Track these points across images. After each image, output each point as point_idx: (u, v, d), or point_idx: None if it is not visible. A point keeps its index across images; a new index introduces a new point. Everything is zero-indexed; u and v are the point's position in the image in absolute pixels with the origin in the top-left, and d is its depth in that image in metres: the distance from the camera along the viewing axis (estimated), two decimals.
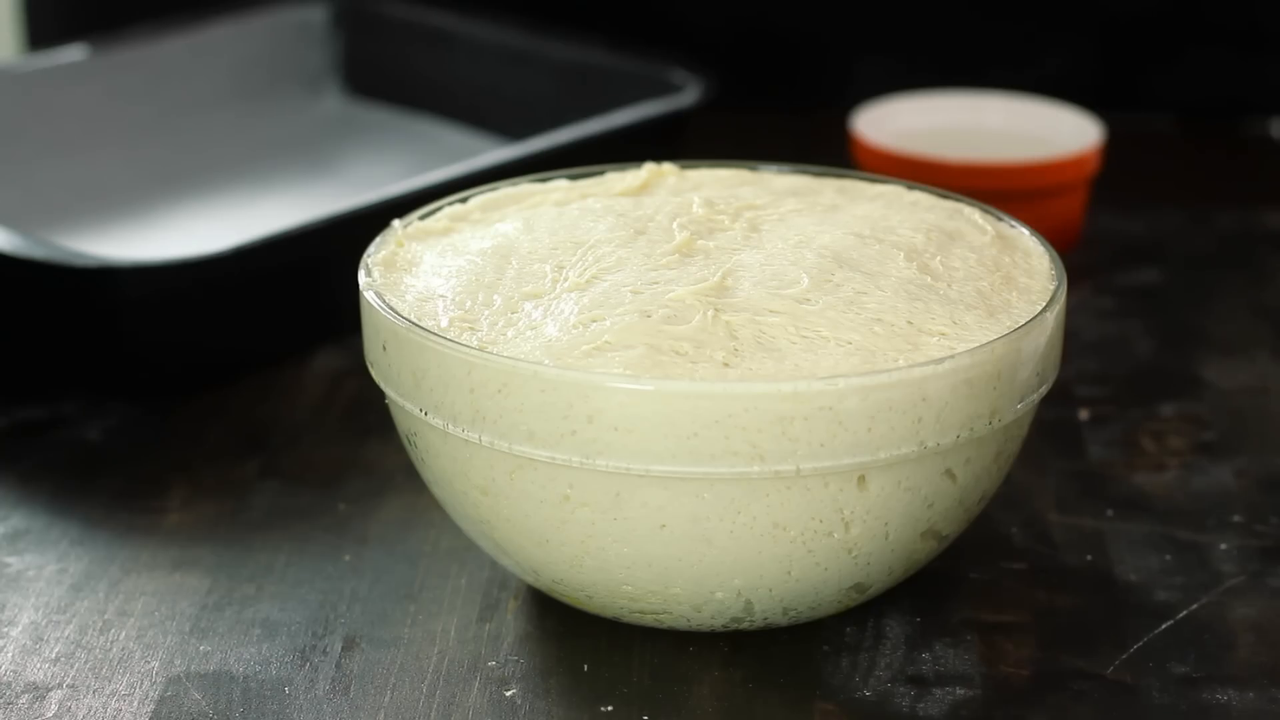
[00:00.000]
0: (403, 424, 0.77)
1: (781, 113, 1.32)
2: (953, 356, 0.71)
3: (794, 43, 1.35)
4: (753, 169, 0.87)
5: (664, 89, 1.16)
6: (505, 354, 0.72)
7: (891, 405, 0.70)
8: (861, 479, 0.71)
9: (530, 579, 0.77)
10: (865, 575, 0.74)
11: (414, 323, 0.73)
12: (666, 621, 0.75)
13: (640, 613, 0.75)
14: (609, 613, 0.76)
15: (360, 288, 0.77)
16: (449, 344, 0.72)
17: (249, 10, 1.30)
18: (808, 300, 0.74)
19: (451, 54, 1.28)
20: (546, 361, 0.71)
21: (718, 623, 0.75)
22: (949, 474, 0.73)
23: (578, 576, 0.74)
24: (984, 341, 0.72)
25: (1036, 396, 0.75)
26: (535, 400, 0.70)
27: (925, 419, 0.70)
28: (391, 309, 0.74)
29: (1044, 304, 0.75)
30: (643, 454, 0.70)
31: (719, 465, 0.70)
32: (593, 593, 0.75)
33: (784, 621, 0.76)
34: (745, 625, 0.75)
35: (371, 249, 0.80)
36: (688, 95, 1.15)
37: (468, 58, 1.27)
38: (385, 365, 0.75)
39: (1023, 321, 0.73)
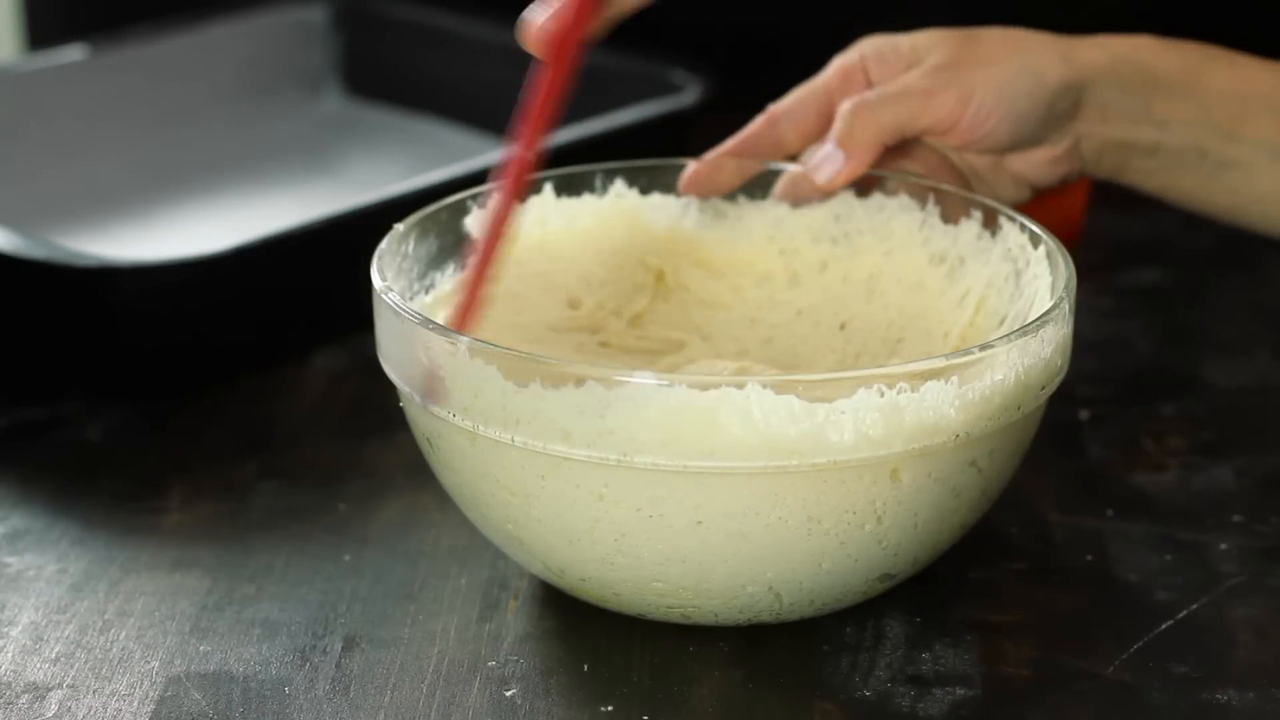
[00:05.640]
0: (422, 426, 0.76)
1: None
2: (983, 345, 0.72)
3: (794, 42, 1.35)
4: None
5: (664, 89, 1.16)
6: (539, 354, 0.72)
7: (925, 395, 0.70)
8: (894, 471, 0.71)
9: (553, 578, 0.77)
10: (893, 565, 0.75)
11: (444, 327, 0.73)
12: (693, 616, 0.75)
13: (667, 608, 0.75)
14: (634, 610, 0.76)
15: (377, 290, 0.76)
16: (484, 346, 0.72)
17: (249, 10, 1.30)
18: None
19: (451, 54, 1.28)
20: (583, 361, 0.71)
21: (744, 617, 0.75)
22: (974, 464, 0.74)
23: (608, 574, 0.74)
24: (1010, 331, 0.73)
25: (1053, 385, 0.75)
26: (571, 399, 0.70)
27: (956, 409, 0.71)
28: (417, 313, 0.74)
29: (1060, 292, 0.76)
30: (680, 451, 0.70)
31: (756, 460, 0.70)
32: (621, 590, 0.75)
33: (810, 613, 0.76)
34: (769, 618, 0.75)
35: (383, 247, 0.79)
36: (688, 95, 1.15)
37: (468, 58, 1.27)
38: (410, 367, 0.75)
39: (1043, 309, 0.75)
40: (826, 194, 0.86)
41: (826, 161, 0.83)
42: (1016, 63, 0.84)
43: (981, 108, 0.83)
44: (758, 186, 0.88)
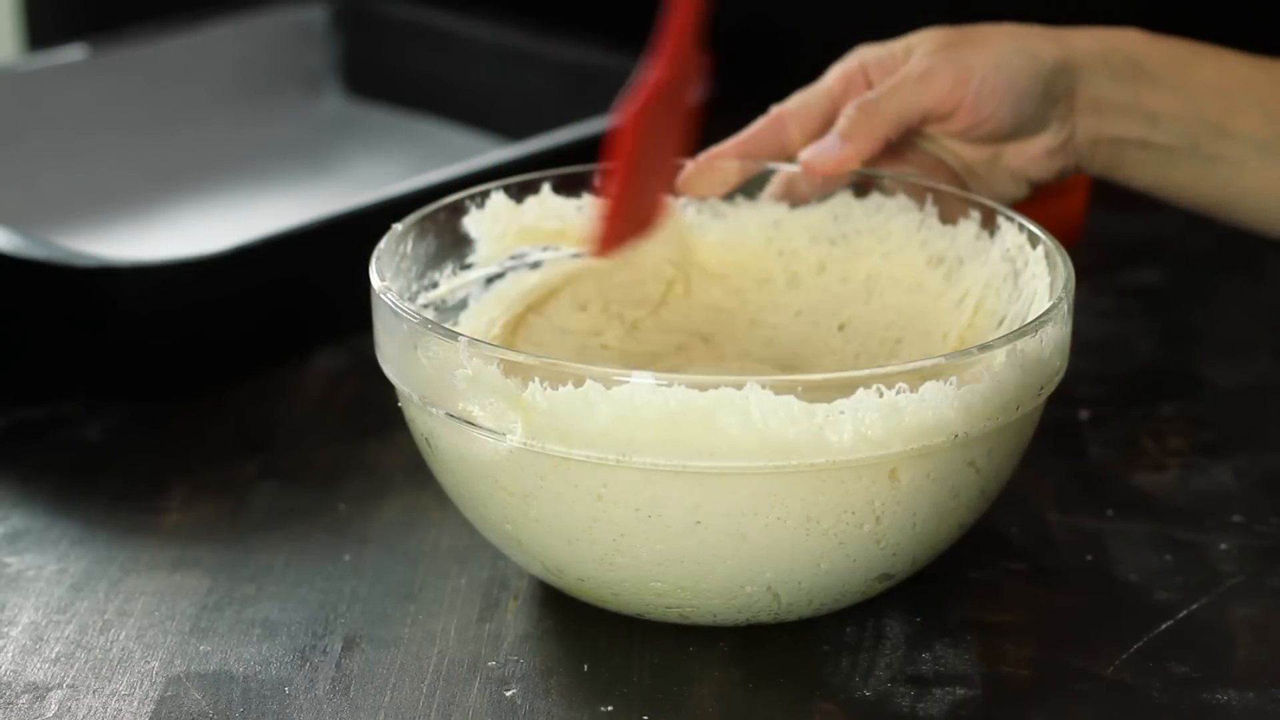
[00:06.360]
0: (420, 426, 0.76)
1: None
2: (981, 346, 0.72)
3: (795, 42, 1.35)
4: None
5: None
6: (538, 354, 0.72)
7: (924, 396, 0.71)
8: (893, 471, 0.71)
9: (552, 578, 0.77)
10: (892, 565, 0.75)
11: (443, 326, 0.73)
12: (691, 617, 0.75)
13: (666, 608, 0.75)
14: (633, 610, 0.76)
15: (375, 290, 0.76)
16: (481, 345, 0.72)
17: (249, 10, 1.30)
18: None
19: (451, 54, 1.28)
20: (580, 360, 0.71)
21: (742, 617, 0.75)
22: (973, 465, 0.74)
23: (606, 574, 0.74)
24: (1009, 331, 0.74)
25: (1052, 385, 0.75)
26: (569, 399, 0.70)
27: (955, 409, 0.71)
28: (416, 312, 0.74)
29: (1059, 292, 0.76)
30: (678, 451, 0.70)
31: (755, 460, 0.70)
32: (620, 590, 0.75)
33: (809, 614, 0.76)
34: (768, 619, 0.75)
35: (381, 247, 0.79)
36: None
37: (468, 58, 1.27)
38: (408, 367, 0.75)
39: (1041, 310, 0.75)
40: (823, 192, 0.86)
41: (825, 152, 0.83)
42: (1011, 43, 0.84)
43: (983, 85, 0.83)
44: (756, 187, 0.88)
